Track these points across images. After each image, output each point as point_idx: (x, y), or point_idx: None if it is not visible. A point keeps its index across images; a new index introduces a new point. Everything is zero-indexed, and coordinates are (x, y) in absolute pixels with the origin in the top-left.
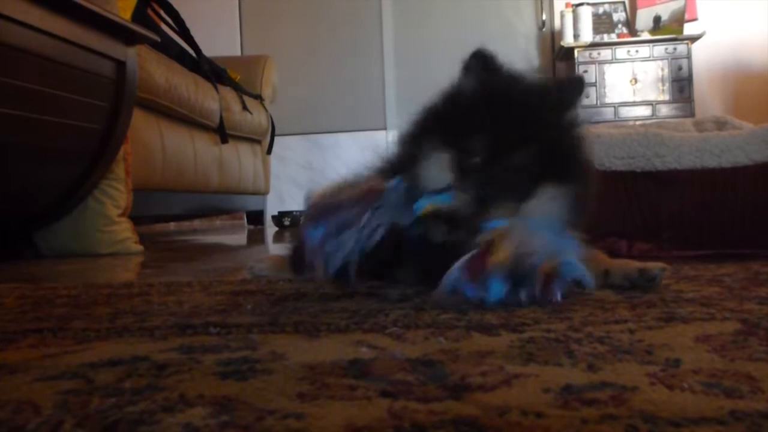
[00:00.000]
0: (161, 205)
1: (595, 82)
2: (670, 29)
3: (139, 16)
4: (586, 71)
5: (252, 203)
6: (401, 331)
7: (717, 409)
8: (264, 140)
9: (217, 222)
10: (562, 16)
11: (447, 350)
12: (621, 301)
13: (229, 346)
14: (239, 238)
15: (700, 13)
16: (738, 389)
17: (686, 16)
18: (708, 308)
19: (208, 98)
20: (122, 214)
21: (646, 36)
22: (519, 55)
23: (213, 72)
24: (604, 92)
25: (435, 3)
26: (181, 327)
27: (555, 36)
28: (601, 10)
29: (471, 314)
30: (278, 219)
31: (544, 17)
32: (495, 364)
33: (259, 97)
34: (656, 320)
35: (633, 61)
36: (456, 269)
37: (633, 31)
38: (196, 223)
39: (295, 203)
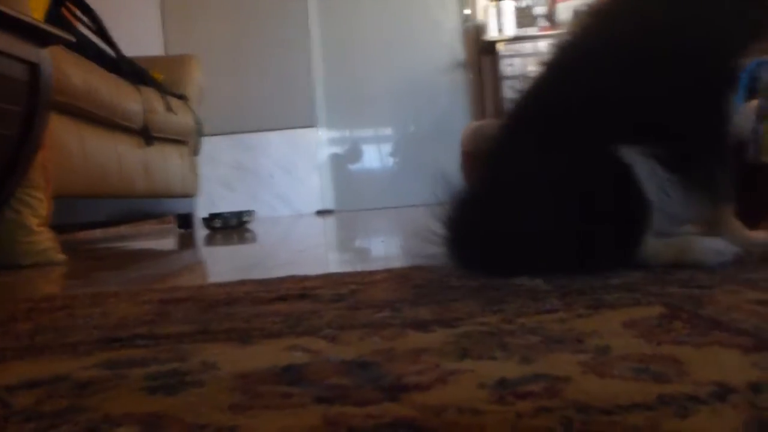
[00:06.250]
0: (85, 212)
1: (519, 74)
2: None
3: (52, 16)
4: (510, 64)
5: (181, 206)
6: (336, 333)
7: (646, 394)
8: (191, 141)
9: (146, 227)
10: (485, 10)
11: (382, 350)
12: (552, 291)
13: (158, 359)
14: (169, 243)
15: None
16: (665, 373)
17: None
18: (633, 293)
19: (129, 100)
20: (42, 224)
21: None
22: (444, 49)
23: (134, 72)
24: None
25: None
26: (106, 341)
27: (479, 30)
28: (523, 4)
29: (405, 311)
30: (209, 221)
31: (467, 11)
32: (430, 362)
33: (183, 98)
34: (585, 308)
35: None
36: None
37: (554, 24)
38: (124, 229)
39: (226, 205)
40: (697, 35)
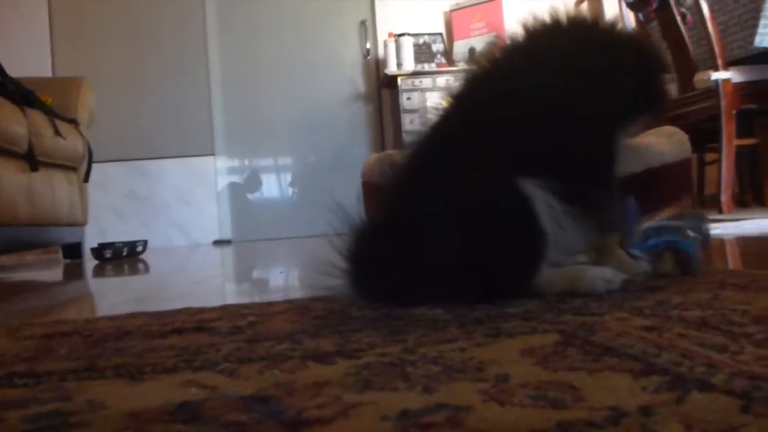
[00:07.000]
0: None
1: (418, 108)
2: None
3: None
4: (409, 98)
5: (68, 235)
6: (234, 367)
7: (545, 420)
8: (80, 167)
9: (29, 257)
10: (385, 45)
11: (282, 383)
12: (452, 320)
13: (39, 399)
14: (54, 274)
15: None
16: (562, 399)
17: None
18: (530, 322)
19: (13, 122)
20: None
21: (462, 66)
22: (345, 81)
23: (20, 94)
24: (426, 118)
25: (261, 27)
26: None
27: (379, 64)
28: (421, 40)
29: (306, 343)
30: (98, 251)
31: (368, 46)
32: (332, 395)
33: (73, 122)
34: (484, 336)
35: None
36: None
37: (451, 61)
38: (4, 260)
39: (117, 234)
40: (596, 88)
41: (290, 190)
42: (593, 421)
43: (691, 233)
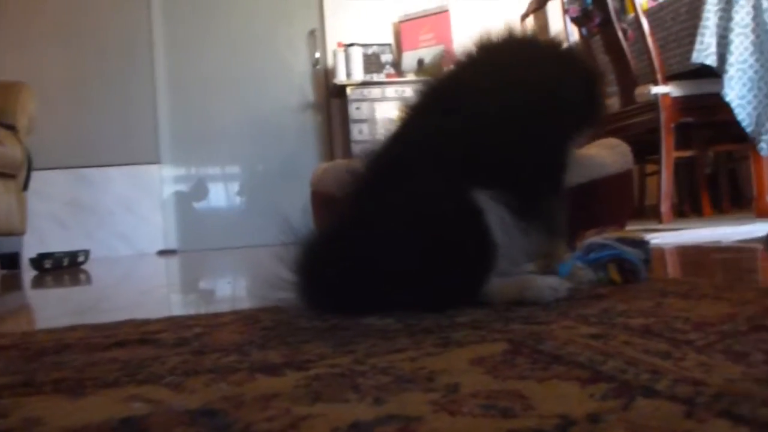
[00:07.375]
0: None
1: (367, 118)
2: (432, 71)
3: None
4: (359, 108)
5: (5, 245)
6: (180, 380)
7: (495, 430)
8: (19, 175)
9: None
10: (334, 55)
11: (230, 396)
12: (402, 330)
13: None
14: None
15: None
16: (512, 408)
17: (447, 59)
18: (479, 331)
19: None
20: None
21: (411, 77)
22: (294, 90)
23: None
24: (375, 128)
25: (209, 35)
26: None
27: (328, 74)
28: (370, 51)
29: (254, 354)
30: (38, 261)
31: (317, 55)
32: (281, 407)
33: (12, 128)
34: (435, 346)
35: (401, 99)
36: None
37: (400, 72)
38: None
39: (59, 244)
40: (545, 101)
41: (237, 199)
42: (542, 430)
43: (632, 250)
